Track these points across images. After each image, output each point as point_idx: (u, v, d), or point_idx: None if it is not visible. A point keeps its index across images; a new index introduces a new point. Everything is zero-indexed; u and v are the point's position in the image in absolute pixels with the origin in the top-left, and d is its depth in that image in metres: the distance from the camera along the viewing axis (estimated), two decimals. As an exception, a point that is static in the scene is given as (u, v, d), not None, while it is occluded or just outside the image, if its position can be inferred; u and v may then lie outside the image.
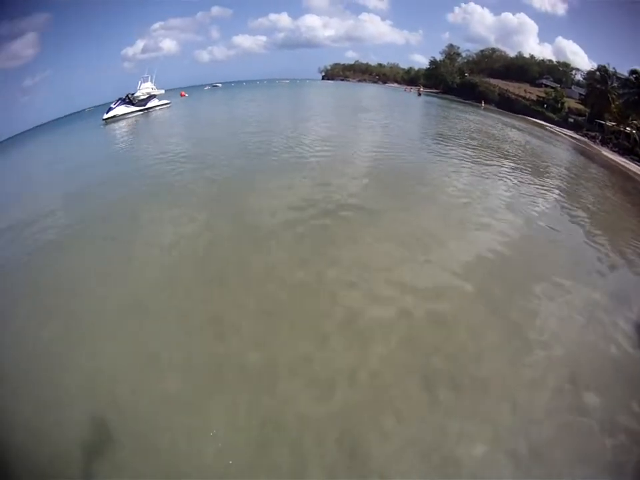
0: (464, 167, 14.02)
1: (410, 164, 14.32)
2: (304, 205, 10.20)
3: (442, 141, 18.28)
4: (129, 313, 6.50)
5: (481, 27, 57.74)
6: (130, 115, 37.96)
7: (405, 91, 55.75)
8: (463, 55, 52.47)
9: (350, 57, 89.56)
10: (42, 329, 6.32)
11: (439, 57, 53.21)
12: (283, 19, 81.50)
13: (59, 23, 68.83)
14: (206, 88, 76.31)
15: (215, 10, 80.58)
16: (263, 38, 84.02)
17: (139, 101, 39.96)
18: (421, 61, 71.22)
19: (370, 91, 55.70)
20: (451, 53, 52.70)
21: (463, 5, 60.15)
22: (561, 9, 51.00)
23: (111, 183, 13.83)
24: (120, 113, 37.31)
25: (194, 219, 9.91)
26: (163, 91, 43.53)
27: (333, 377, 5.11)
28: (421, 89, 51.00)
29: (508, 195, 11.76)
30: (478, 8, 58.41)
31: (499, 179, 13.24)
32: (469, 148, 16.95)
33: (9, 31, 59.20)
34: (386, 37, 74.72)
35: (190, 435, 4.40)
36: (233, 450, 4.22)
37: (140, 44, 78.62)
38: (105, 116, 36.03)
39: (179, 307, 6.57)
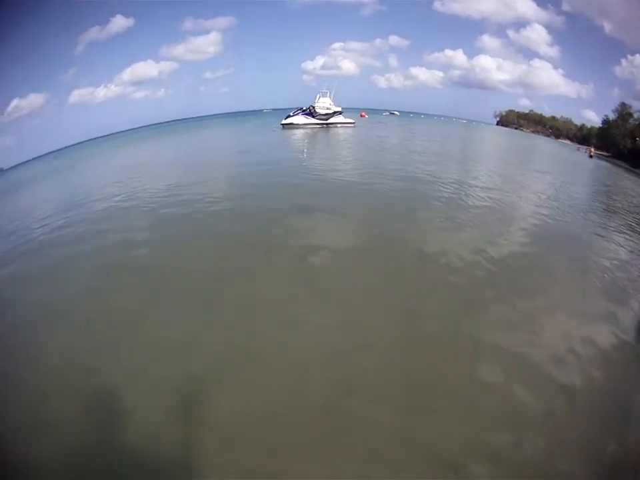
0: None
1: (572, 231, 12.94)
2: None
3: (607, 213, 16.30)
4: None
5: (648, 83, 48.75)
6: (308, 126, 41.16)
7: (578, 150, 50.80)
8: (635, 115, 46.40)
9: (523, 104, 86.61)
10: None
11: (610, 115, 49.39)
12: (459, 57, 79.93)
13: (243, 27, 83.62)
14: (384, 114, 78.91)
15: (393, 39, 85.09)
16: (440, 73, 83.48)
17: (321, 114, 42.57)
18: (592, 118, 66.04)
19: (545, 147, 52.01)
20: (623, 113, 47.37)
21: (629, 56, 55.67)
22: None
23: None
24: (297, 122, 41.24)
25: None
26: (340, 108, 45.50)
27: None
28: (593, 151, 44.52)
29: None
30: (645, 60, 49.74)
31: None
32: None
33: (194, 28, 75.26)
34: (558, 88, 71.12)
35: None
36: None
37: (320, 60, 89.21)
38: (283, 121, 40.76)
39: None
